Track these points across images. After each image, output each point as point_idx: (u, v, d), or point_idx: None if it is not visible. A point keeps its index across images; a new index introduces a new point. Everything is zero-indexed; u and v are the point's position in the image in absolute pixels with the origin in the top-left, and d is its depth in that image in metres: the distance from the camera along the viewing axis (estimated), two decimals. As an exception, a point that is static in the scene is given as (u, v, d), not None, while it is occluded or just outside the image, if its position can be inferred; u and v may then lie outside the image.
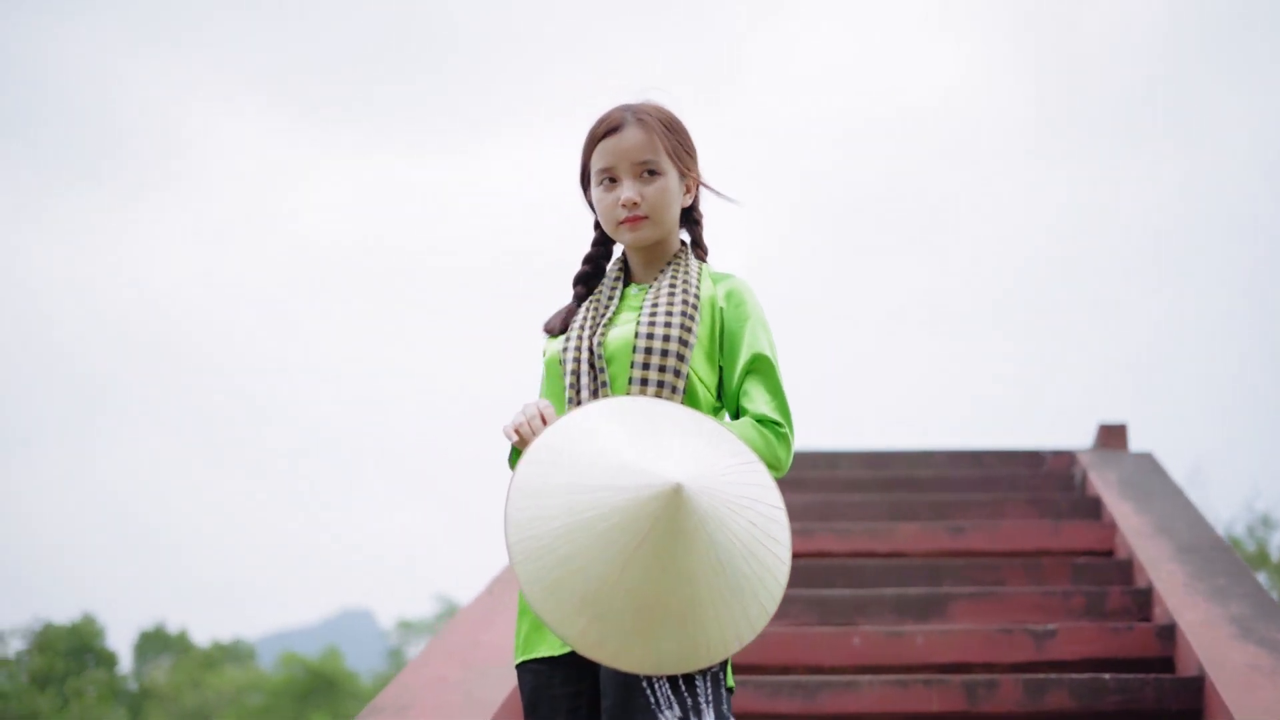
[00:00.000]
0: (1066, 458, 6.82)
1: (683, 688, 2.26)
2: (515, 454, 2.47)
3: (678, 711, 2.24)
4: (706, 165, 2.64)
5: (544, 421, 2.31)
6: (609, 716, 2.30)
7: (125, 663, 32.79)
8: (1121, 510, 5.60)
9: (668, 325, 2.41)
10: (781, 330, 2.61)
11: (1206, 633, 4.22)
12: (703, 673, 2.28)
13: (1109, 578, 5.19)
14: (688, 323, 2.42)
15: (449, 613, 34.24)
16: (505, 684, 3.98)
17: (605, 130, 2.50)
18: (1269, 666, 3.92)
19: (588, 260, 2.65)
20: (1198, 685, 3.97)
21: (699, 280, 2.50)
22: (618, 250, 2.66)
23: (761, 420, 2.40)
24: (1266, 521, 21.71)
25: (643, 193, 2.48)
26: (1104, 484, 6.05)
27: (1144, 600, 4.80)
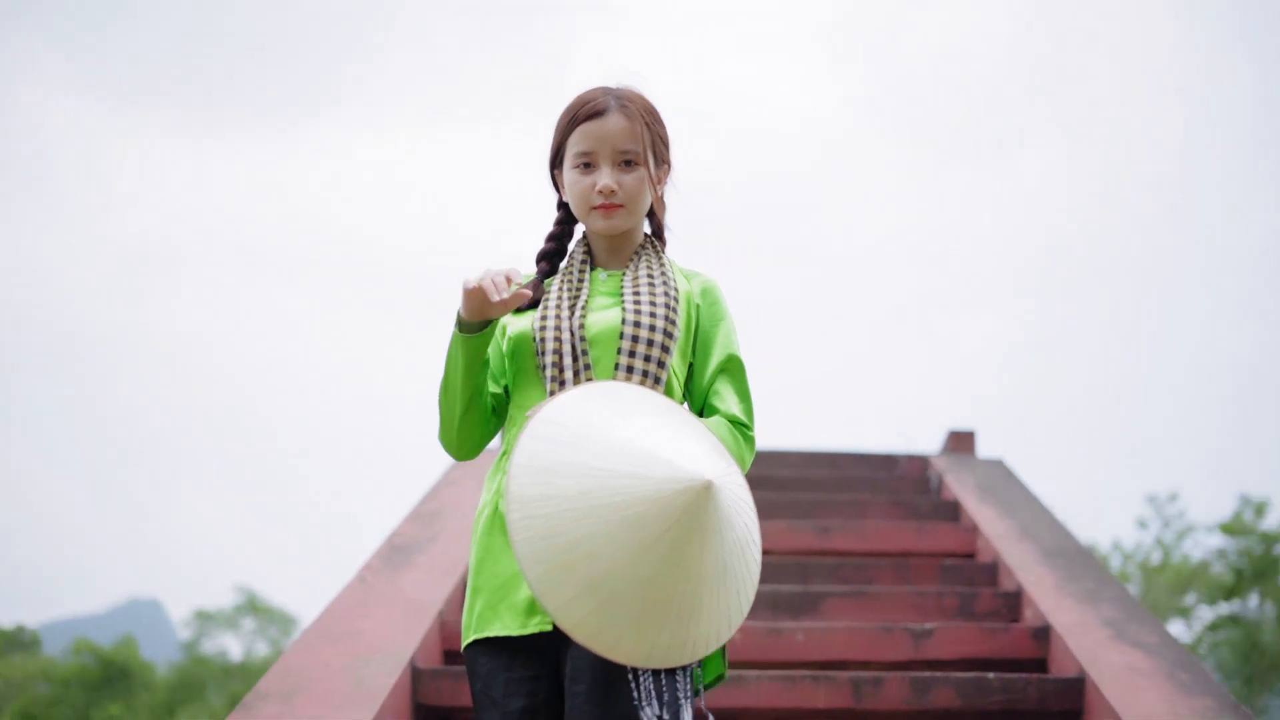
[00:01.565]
0: (920, 462, 6.94)
1: (664, 682, 2.25)
2: (460, 324, 2.38)
3: (657, 709, 2.21)
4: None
5: (508, 283, 2.31)
6: (583, 700, 2.24)
7: (-100, 649, 31.20)
8: (984, 515, 5.71)
9: (653, 316, 2.42)
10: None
11: (1082, 635, 4.32)
12: (684, 667, 2.26)
13: (977, 579, 5.28)
14: (672, 315, 2.43)
15: (250, 604, 33.41)
16: (392, 671, 3.89)
17: (588, 113, 2.48)
18: (1147, 669, 4.03)
19: (552, 238, 2.62)
20: (1078, 686, 4.06)
21: (674, 275, 2.52)
22: (577, 232, 2.63)
23: (733, 421, 2.44)
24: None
25: (621, 181, 2.48)
26: (961, 488, 6.16)
27: (1014, 602, 4.89)
